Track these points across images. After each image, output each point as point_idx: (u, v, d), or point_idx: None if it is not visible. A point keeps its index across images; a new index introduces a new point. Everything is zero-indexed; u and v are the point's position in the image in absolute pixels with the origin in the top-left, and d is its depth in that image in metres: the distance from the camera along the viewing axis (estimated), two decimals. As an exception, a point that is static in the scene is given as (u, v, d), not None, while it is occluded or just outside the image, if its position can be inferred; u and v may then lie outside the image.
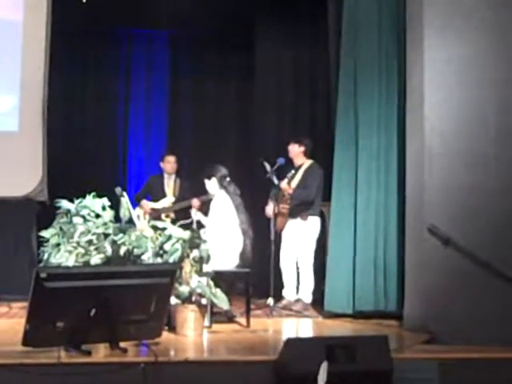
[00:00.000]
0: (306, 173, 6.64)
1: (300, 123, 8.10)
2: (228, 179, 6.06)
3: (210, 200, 6.16)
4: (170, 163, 7.49)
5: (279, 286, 6.60)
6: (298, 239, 6.59)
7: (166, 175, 7.52)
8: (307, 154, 6.78)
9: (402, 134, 5.85)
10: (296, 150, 6.74)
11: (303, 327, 5.99)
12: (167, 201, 7.43)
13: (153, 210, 7.36)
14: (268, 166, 6.52)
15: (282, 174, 6.66)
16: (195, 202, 7.12)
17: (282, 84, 8.24)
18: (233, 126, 8.65)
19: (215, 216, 5.91)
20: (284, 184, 6.54)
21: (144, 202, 7.40)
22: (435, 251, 5.16)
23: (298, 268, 6.61)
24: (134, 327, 4.16)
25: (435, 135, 5.32)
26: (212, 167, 6.12)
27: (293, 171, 6.68)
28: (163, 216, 7.32)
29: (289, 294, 6.66)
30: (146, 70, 8.72)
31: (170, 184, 7.50)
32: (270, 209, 6.57)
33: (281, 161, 6.58)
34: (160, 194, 7.43)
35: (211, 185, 6.09)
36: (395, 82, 6.01)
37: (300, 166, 6.73)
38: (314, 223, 6.59)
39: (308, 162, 6.74)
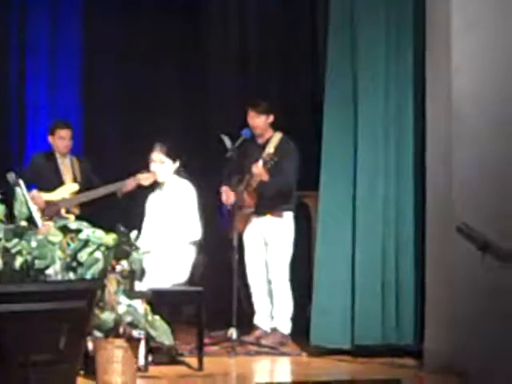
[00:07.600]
0: (279, 152, 6.67)
1: (272, 79, 8.09)
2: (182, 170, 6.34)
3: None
4: (63, 140, 7.54)
5: (246, 310, 6.66)
6: (268, 244, 6.71)
7: (57, 155, 7.58)
8: (274, 124, 6.87)
9: (421, 95, 5.85)
10: (263, 123, 6.81)
11: (280, 369, 6.02)
12: (68, 189, 7.49)
13: (48, 203, 7.36)
14: (228, 142, 6.57)
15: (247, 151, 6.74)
16: (131, 183, 7.16)
17: (245, 22, 8.23)
18: (176, 84, 8.57)
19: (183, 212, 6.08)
20: (259, 167, 6.56)
21: (35, 193, 7.36)
22: (468, 261, 5.14)
23: (269, 285, 6.73)
24: (37, 372, 4.07)
25: (467, 97, 5.34)
26: (175, 147, 6.28)
27: (271, 149, 6.68)
28: (63, 212, 7.32)
29: (263, 321, 6.74)
30: (49, 6, 8.59)
31: (66, 166, 7.59)
32: (228, 194, 6.67)
33: (246, 133, 6.68)
34: (54, 182, 7.50)
35: (165, 168, 6.24)
36: (410, 22, 6.02)
37: (266, 142, 6.81)
38: (289, 221, 6.73)
39: (277, 136, 6.85)
